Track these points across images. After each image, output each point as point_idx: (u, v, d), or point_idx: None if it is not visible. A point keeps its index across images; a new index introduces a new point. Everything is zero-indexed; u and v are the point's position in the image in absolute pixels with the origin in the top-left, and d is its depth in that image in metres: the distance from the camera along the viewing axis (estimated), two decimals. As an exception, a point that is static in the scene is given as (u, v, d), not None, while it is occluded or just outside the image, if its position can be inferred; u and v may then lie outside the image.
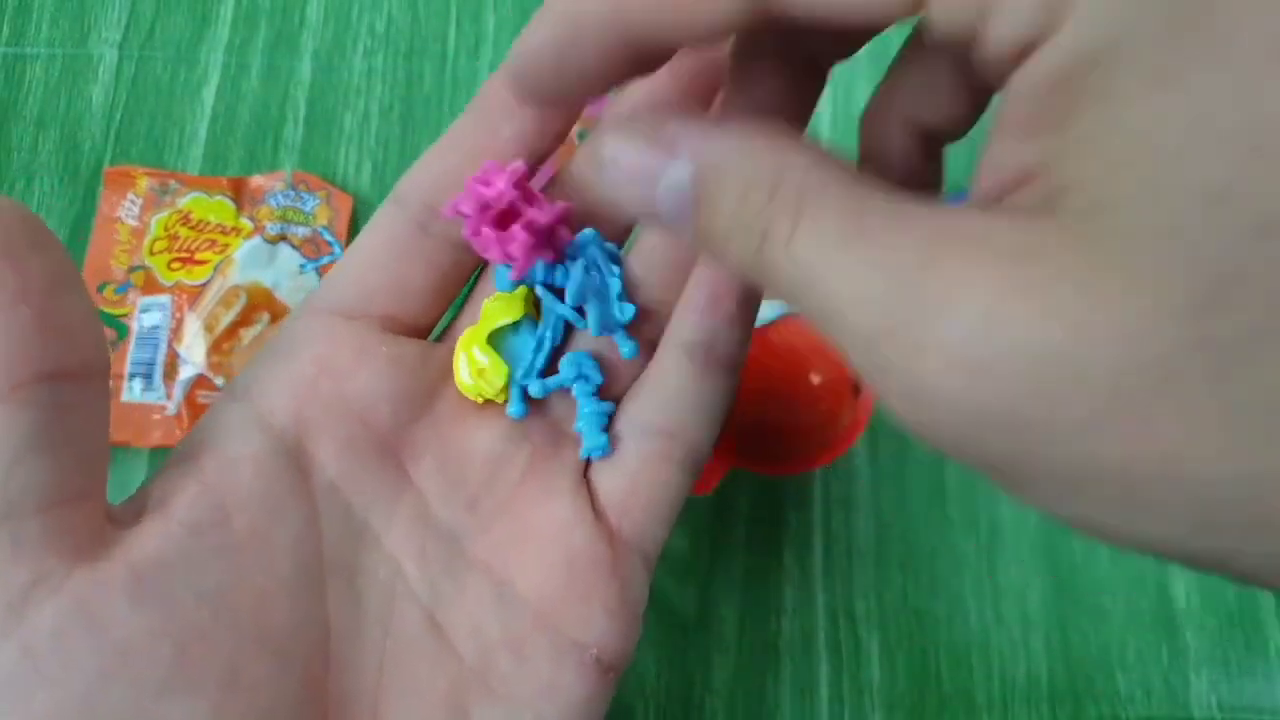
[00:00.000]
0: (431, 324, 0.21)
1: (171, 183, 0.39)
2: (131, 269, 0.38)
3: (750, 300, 0.20)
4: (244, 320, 0.37)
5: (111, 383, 0.36)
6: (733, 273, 0.19)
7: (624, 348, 0.20)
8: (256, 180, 0.39)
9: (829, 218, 0.13)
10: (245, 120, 0.41)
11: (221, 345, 0.37)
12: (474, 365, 0.20)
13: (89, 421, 0.16)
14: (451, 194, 0.20)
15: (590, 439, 0.20)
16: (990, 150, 0.13)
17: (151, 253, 0.38)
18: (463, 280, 0.21)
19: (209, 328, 0.37)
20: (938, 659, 0.35)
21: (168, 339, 0.37)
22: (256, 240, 0.38)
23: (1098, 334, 0.10)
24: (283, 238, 0.38)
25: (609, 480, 0.20)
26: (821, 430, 0.33)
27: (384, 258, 0.20)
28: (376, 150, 0.41)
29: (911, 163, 0.18)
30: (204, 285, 0.37)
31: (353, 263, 0.20)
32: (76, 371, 0.15)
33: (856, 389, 0.34)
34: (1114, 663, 0.35)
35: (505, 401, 0.20)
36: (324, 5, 0.43)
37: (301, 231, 0.38)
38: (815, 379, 0.33)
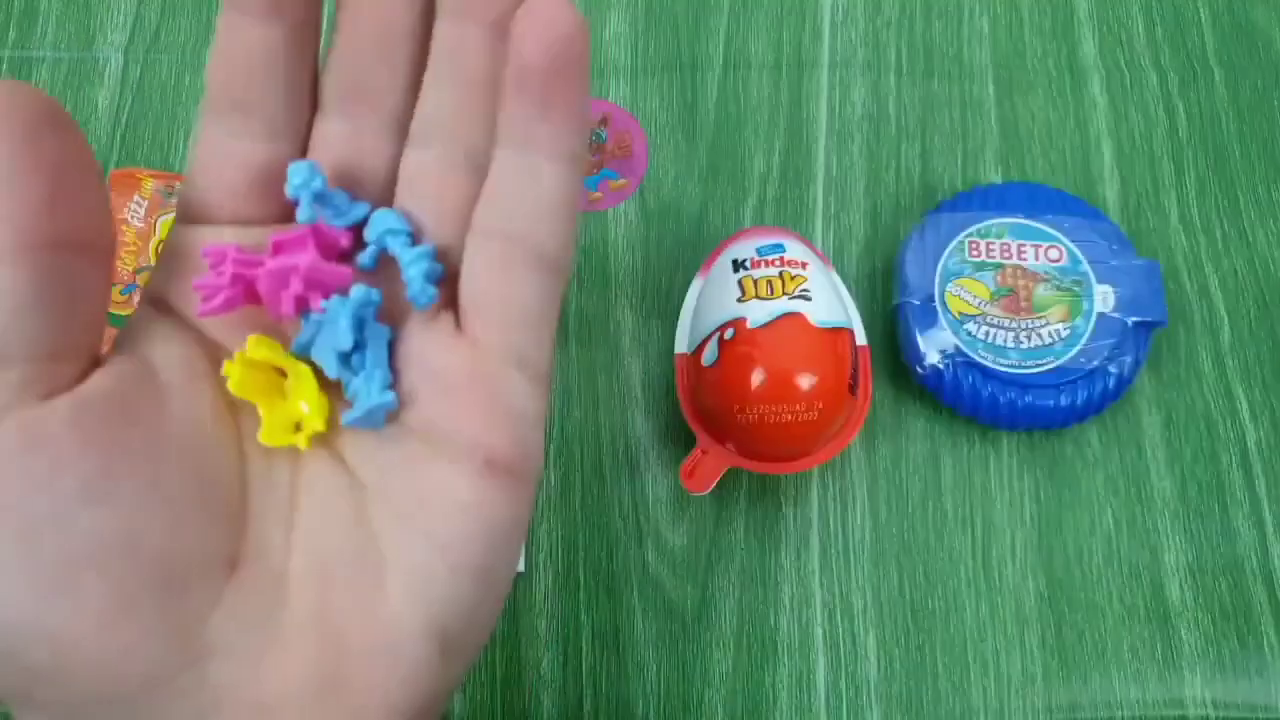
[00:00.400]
0: None
1: (177, 185, 0.39)
2: (138, 271, 0.38)
3: (560, 78, 0.18)
4: (248, 321, 0.37)
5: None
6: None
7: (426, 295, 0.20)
8: (260, 182, 0.39)
9: None
10: (249, 123, 0.41)
11: (226, 345, 0.37)
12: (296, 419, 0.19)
13: (89, 294, 0.17)
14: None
15: (416, 288, 0.19)
16: None
17: (157, 254, 0.38)
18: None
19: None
20: (934, 656, 0.35)
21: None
22: (260, 242, 0.38)
23: None
24: (286, 239, 0.38)
25: (464, 298, 0.20)
26: (819, 429, 0.33)
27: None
28: (379, 153, 0.41)
29: None
30: (209, 286, 0.38)
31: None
32: (82, 245, 0.16)
33: (853, 388, 0.34)
34: (1108, 660, 0.35)
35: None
36: (326, 7, 0.43)
37: (305, 233, 0.39)
38: (812, 379, 0.33)
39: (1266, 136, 0.42)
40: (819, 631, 0.35)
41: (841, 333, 0.34)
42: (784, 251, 0.35)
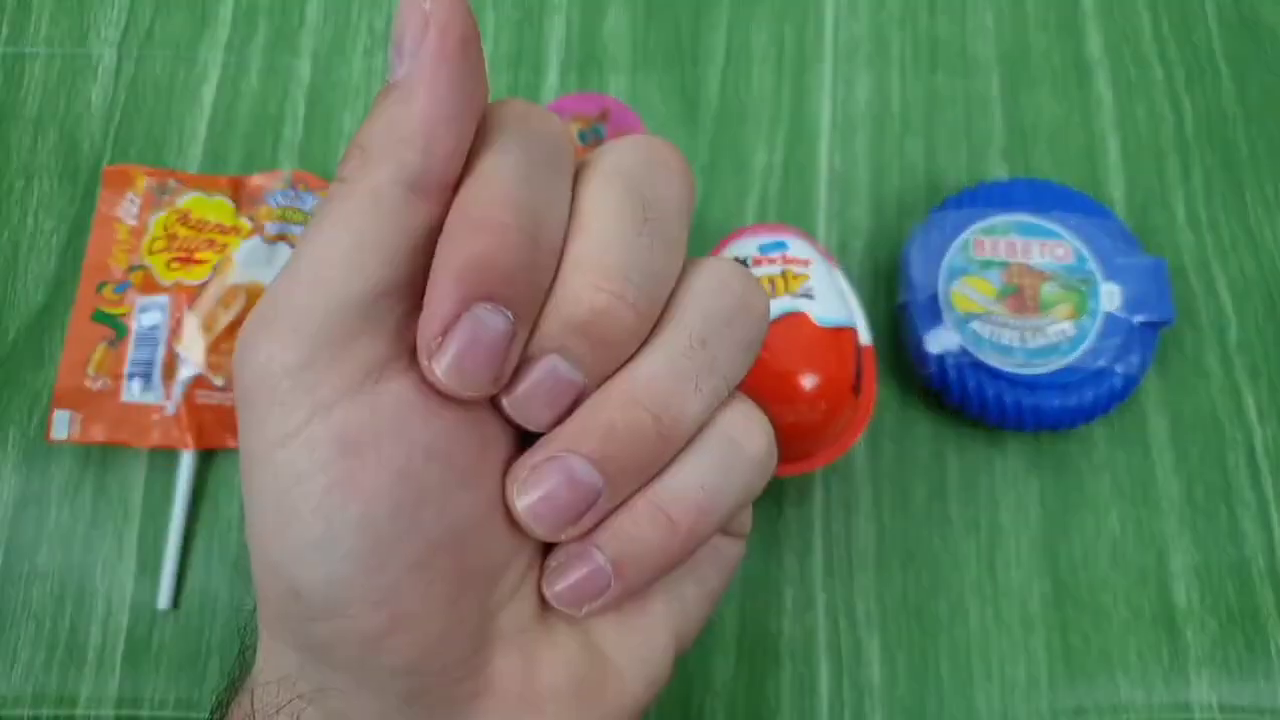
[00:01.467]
0: None
1: (170, 182, 0.39)
2: (130, 268, 0.38)
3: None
4: (242, 320, 0.37)
5: (111, 382, 0.36)
6: None
7: None
8: (255, 180, 0.39)
9: None
10: (244, 119, 0.41)
11: (220, 345, 0.37)
12: None
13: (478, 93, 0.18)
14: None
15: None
16: None
17: (150, 252, 0.38)
18: None
19: (207, 327, 0.37)
20: (938, 660, 0.35)
21: (166, 339, 0.37)
22: (255, 240, 0.38)
23: None
24: (282, 237, 0.38)
25: None
26: (821, 430, 0.33)
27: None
28: (376, 150, 0.41)
29: None
30: (203, 285, 0.37)
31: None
32: (477, 36, 0.18)
33: (856, 389, 0.34)
34: (1114, 663, 0.35)
35: None
36: (323, 4, 0.43)
37: (300, 231, 0.38)
38: (815, 379, 0.32)
39: (1274, 133, 0.42)
40: (821, 636, 0.35)
41: (845, 332, 0.34)
42: (786, 249, 0.34)
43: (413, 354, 0.17)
